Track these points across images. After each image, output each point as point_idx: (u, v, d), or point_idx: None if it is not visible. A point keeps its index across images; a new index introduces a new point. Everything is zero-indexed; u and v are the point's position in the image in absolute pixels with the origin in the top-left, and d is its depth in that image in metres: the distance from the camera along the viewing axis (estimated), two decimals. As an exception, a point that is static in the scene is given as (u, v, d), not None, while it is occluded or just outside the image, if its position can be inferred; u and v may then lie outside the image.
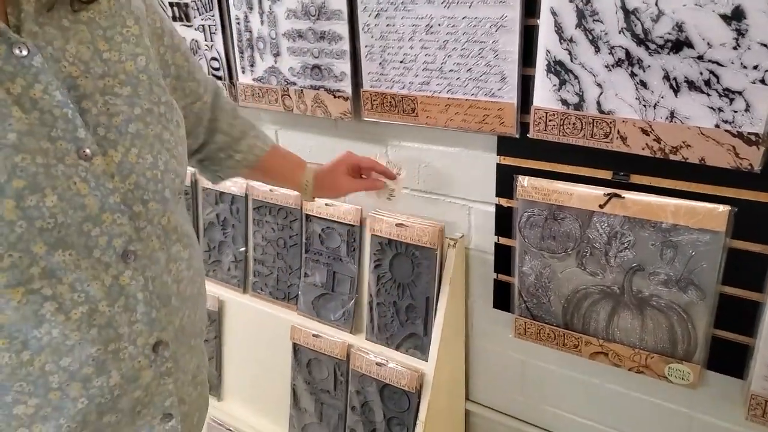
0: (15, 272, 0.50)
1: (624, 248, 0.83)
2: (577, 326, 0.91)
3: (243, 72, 1.14)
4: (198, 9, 1.14)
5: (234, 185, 1.28)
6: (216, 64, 1.17)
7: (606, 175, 0.82)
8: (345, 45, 0.99)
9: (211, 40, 1.15)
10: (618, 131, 0.77)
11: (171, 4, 1.18)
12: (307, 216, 1.18)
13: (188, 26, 1.17)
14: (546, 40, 0.78)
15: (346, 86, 1.02)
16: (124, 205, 0.57)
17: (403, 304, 1.05)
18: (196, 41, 1.18)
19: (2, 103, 0.49)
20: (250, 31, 1.09)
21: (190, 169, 1.34)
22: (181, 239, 0.63)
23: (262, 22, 1.07)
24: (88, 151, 0.54)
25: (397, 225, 1.04)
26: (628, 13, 0.72)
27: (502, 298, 1.00)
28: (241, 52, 1.12)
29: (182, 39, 0.72)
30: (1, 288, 0.50)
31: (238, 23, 1.10)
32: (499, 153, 0.92)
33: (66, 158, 0.52)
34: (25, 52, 0.51)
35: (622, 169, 0.81)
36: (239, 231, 1.30)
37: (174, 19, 1.18)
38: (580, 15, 0.75)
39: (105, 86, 0.58)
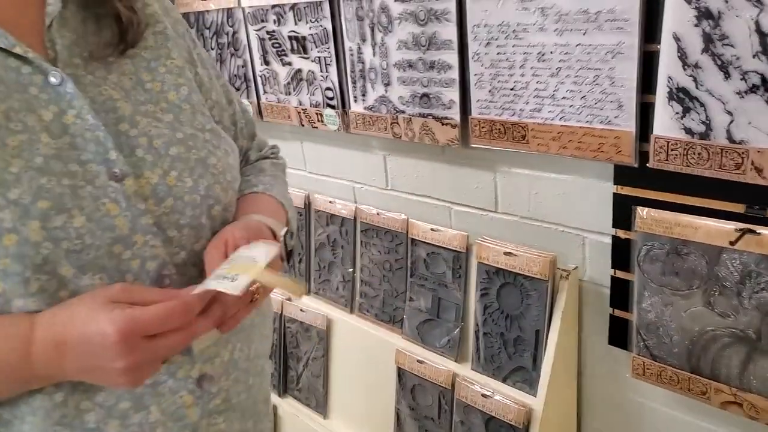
0: (44, 296, 0.51)
1: (761, 289, 0.77)
2: (704, 371, 0.85)
3: (355, 101, 1.21)
4: (315, 42, 1.23)
5: (344, 208, 1.36)
6: (330, 94, 1.25)
7: (737, 208, 0.77)
8: (454, 74, 1.02)
9: (326, 71, 1.24)
10: (752, 162, 0.72)
11: (290, 38, 1.28)
12: (413, 240, 1.21)
13: (305, 58, 1.27)
14: (668, 67, 0.75)
15: (454, 114, 1.04)
16: (158, 227, 0.57)
17: (511, 335, 1.05)
18: (312, 72, 1.27)
19: (32, 130, 0.53)
20: (363, 62, 1.16)
21: (302, 191, 1.44)
22: None
23: (374, 54, 1.13)
24: (118, 171, 0.56)
25: (505, 253, 1.04)
26: (763, 36, 0.67)
27: (619, 334, 0.96)
28: (354, 82, 1.19)
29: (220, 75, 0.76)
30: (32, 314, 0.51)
31: (352, 55, 1.17)
32: (615, 182, 0.89)
33: (96, 180, 0.55)
34: (59, 80, 0.56)
35: (756, 202, 0.75)
36: (348, 252, 1.37)
37: (292, 51, 1.28)
38: (707, 39, 0.71)
39: (146, 111, 0.61)
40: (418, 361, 1.17)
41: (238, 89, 1.47)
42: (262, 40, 1.35)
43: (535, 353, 1.02)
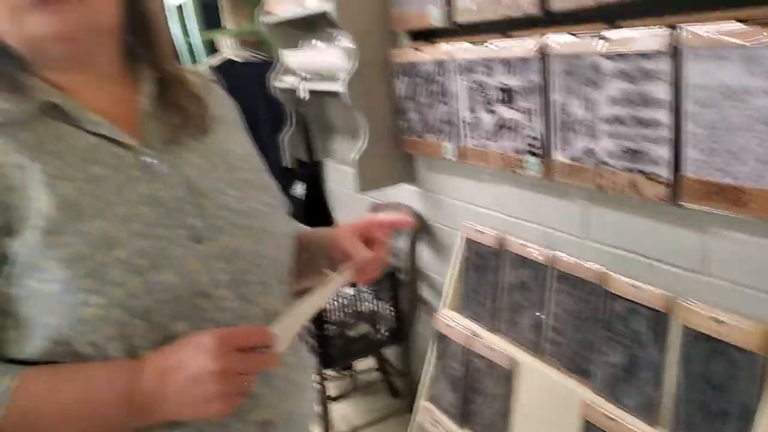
0: (140, 339, 0.63)
1: None
2: None
3: (558, 150, 1.27)
4: (522, 93, 1.33)
5: (538, 253, 1.42)
6: (533, 142, 1.33)
7: None
8: (665, 131, 1.03)
9: (531, 121, 1.32)
10: None
11: (498, 88, 1.39)
12: (610, 293, 1.23)
13: (511, 107, 1.37)
14: None
15: (664, 171, 1.05)
16: (232, 285, 0.69)
17: (715, 407, 1.01)
18: (517, 120, 1.36)
19: (134, 202, 0.66)
20: (569, 114, 1.22)
21: (496, 232, 1.53)
22: None
23: (581, 107, 1.19)
24: (199, 236, 0.68)
25: (713, 319, 1.01)
26: None
27: None
28: (558, 133, 1.26)
29: None
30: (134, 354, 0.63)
31: (558, 107, 1.24)
32: None
33: (181, 241, 0.67)
34: (154, 161, 0.70)
35: None
36: (538, 296, 1.42)
37: (498, 100, 1.40)
38: None
39: (219, 187, 0.74)
40: (608, 417, 1.18)
41: (442, 133, 1.63)
42: (470, 89, 1.48)
43: (742, 429, 0.97)
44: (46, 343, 0.62)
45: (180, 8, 2.47)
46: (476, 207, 1.67)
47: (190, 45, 2.51)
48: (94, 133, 0.68)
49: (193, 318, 0.66)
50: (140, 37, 0.76)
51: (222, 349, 0.61)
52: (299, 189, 2.16)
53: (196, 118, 0.78)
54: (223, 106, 0.87)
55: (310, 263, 0.87)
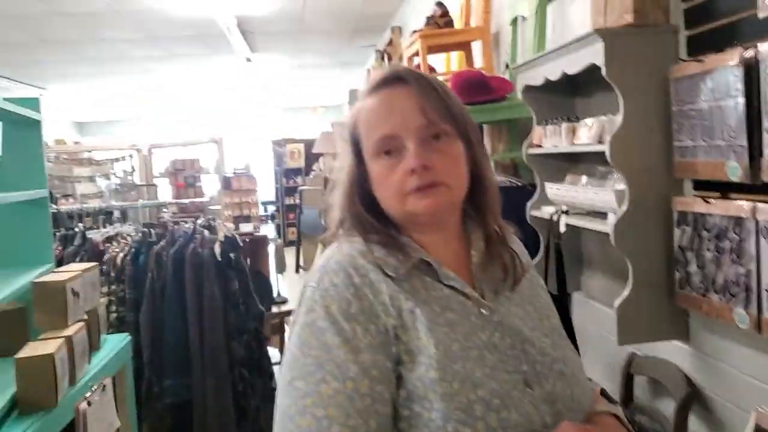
0: None
1: None
2: None
3: None
4: None
5: None
6: None
7: None
8: None
9: None
10: None
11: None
12: None
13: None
14: None
15: None
16: (553, 425, 0.76)
17: None
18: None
19: (480, 347, 0.78)
20: None
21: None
22: None
23: None
24: (529, 381, 0.78)
25: None
26: None
27: None
28: None
29: None
30: None
31: None
32: None
33: (518, 386, 0.77)
34: (488, 312, 0.83)
35: None
36: None
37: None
38: None
39: (536, 335, 0.84)
40: None
41: (733, 296, 1.47)
42: (775, 255, 1.33)
43: None
44: None
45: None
46: (774, 390, 1.44)
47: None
48: (447, 285, 0.84)
49: None
50: (475, 201, 0.92)
51: None
52: (545, 321, 2.12)
53: (513, 270, 0.89)
54: (523, 254, 0.97)
55: None
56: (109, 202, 6.41)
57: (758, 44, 1.32)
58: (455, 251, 0.89)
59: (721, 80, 1.43)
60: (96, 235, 3.21)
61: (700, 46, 1.57)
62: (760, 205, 1.37)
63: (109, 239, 3.15)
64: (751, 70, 1.34)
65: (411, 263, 0.83)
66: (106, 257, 2.87)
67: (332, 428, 0.71)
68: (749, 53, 1.34)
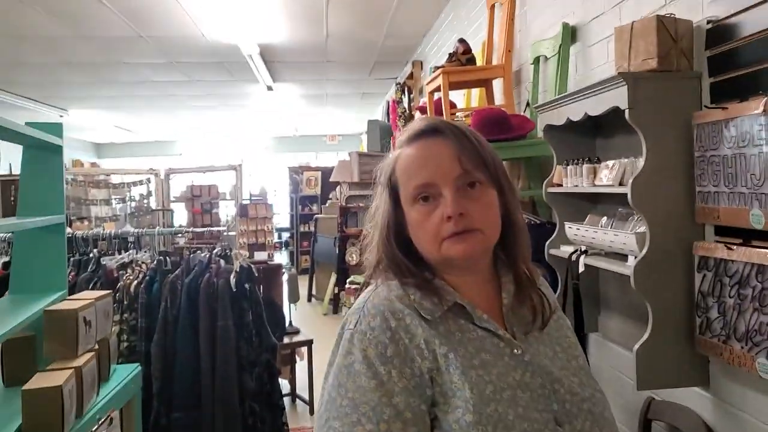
0: None
1: None
2: None
3: None
4: None
5: None
6: None
7: None
8: None
9: None
10: None
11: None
12: None
13: None
14: None
15: None
16: None
17: None
18: None
19: (512, 386, 0.83)
20: None
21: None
22: None
23: None
24: (559, 420, 0.82)
25: None
26: None
27: None
28: None
29: None
30: None
31: None
32: None
33: (549, 424, 0.81)
34: (519, 352, 0.87)
35: None
36: None
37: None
38: None
39: (565, 375, 0.88)
40: None
41: (756, 344, 1.46)
42: (799, 305, 1.33)
43: None
44: None
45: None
46: (796, 442, 1.42)
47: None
48: (481, 327, 0.88)
49: None
50: (506, 245, 0.96)
51: None
52: (562, 363, 2.10)
53: (541, 312, 0.94)
54: (551, 296, 1.00)
55: None
56: (125, 225, 6.50)
57: (782, 94, 1.34)
58: (487, 294, 0.94)
59: (745, 128, 1.45)
60: (110, 262, 3.25)
61: (723, 94, 1.59)
62: (784, 254, 1.37)
63: (123, 266, 3.20)
64: (774, 119, 1.36)
65: (446, 306, 0.88)
66: (119, 284, 2.90)
67: None
68: (773, 103, 1.36)
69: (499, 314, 0.92)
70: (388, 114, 6.67)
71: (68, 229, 3.75)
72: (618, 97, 1.68)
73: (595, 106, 1.82)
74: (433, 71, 3.14)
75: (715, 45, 1.61)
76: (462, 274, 0.92)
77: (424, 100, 3.74)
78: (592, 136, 2.22)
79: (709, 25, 1.63)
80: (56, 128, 2.22)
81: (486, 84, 3.21)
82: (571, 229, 2.09)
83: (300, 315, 6.31)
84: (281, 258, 10.30)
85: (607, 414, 0.89)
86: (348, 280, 5.63)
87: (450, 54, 3.05)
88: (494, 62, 3.15)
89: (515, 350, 0.87)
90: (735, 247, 1.53)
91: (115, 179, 8.58)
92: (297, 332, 4.27)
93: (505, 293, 0.93)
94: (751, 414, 1.57)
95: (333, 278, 6.65)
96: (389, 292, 0.90)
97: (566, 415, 0.84)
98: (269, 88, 7.16)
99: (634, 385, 1.71)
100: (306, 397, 4.05)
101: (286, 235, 11.65)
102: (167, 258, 2.90)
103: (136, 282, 2.89)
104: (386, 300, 0.88)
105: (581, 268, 2.03)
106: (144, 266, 3.03)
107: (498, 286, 0.95)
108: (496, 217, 0.92)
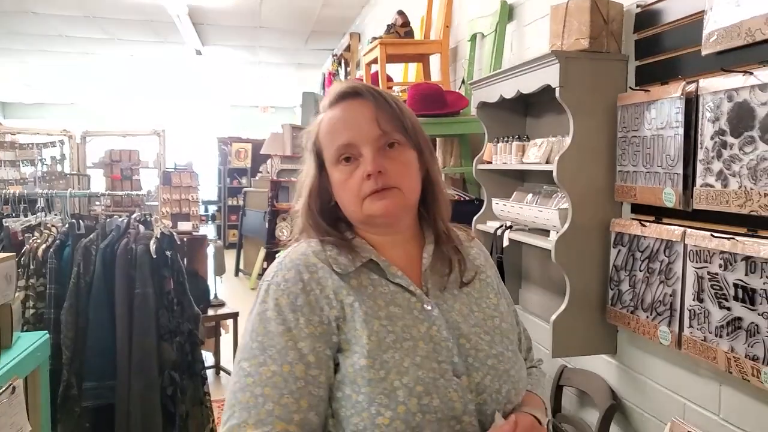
0: None
1: None
2: None
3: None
4: (767, 297, 1.27)
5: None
6: (776, 354, 1.25)
7: None
8: None
9: (776, 330, 1.25)
10: None
11: (736, 285, 1.35)
12: None
13: (750, 309, 1.31)
14: None
15: None
16: (477, 413, 0.88)
17: None
18: (756, 325, 1.30)
19: (415, 338, 0.90)
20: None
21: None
22: None
23: None
24: (458, 371, 0.89)
25: None
26: None
27: None
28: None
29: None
30: None
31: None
32: None
33: (445, 375, 0.88)
34: (430, 307, 0.94)
35: None
36: None
37: (735, 298, 1.35)
38: None
39: (476, 331, 0.95)
40: None
41: (659, 314, 1.59)
42: (700, 278, 1.45)
43: None
44: None
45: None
46: (689, 403, 1.57)
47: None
48: (394, 282, 0.95)
49: None
50: (426, 204, 1.02)
51: None
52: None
53: (460, 270, 1.01)
54: (482, 258, 1.09)
55: None
56: (34, 190, 6.14)
57: (699, 79, 1.44)
58: (408, 252, 1.00)
59: (664, 110, 1.55)
60: (14, 224, 3.08)
61: (647, 77, 1.69)
62: (689, 230, 1.49)
63: (30, 228, 3.03)
64: (690, 103, 1.47)
65: (360, 262, 0.95)
66: (25, 248, 2.76)
67: (266, 405, 0.84)
68: (691, 87, 1.46)
69: (418, 271, 0.99)
70: (324, 86, 6.61)
71: (-32, 190, 3.52)
72: (550, 75, 1.76)
73: (528, 83, 1.89)
74: (371, 42, 3.15)
75: (643, 29, 1.71)
76: (385, 232, 0.99)
77: (361, 73, 3.75)
78: (523, 114, 2.31)
79: (638, 9, 1.73)
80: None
81: (423, 59, 3.26)
82: (498, 205, 2.17)
83: (227, 289, 6.22)
84: (208, 231, 10.06)
85: (513, 372, 0.95)
86: (278, 255, 5.58)
87: (389, 26, 3.07)
88: (432, 38, 3.19)
89: (425, 305, 0.94)
90: (648, 224, 1.65)
91: (22, 139, 8.06)
92: (222, 305, 4.22)
93: (426, 252, 1.00)
94: (650, 377, 1.72)
95: (262, 253, 6.58)
96: (307, 248, 0.97)
97: (466, 368, 0.91)
98: (198, 53, 6.92)
99: (549, 355, 1.82)
100: (230, 369, 4.02)
101: (213, 208, 11.38)
102: (80, 222, 2.78)
103: (44, 246, 2.76)
104: (303, 255, 0.95)
105: (506, 243, 2.12)
106: (54, 230, 2.88)
107: (421, 245, 1.02)
108: (416, 176, 0.98)
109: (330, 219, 1.00)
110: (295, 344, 0.87)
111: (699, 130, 1.46)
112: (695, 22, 1.49)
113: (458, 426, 0.86)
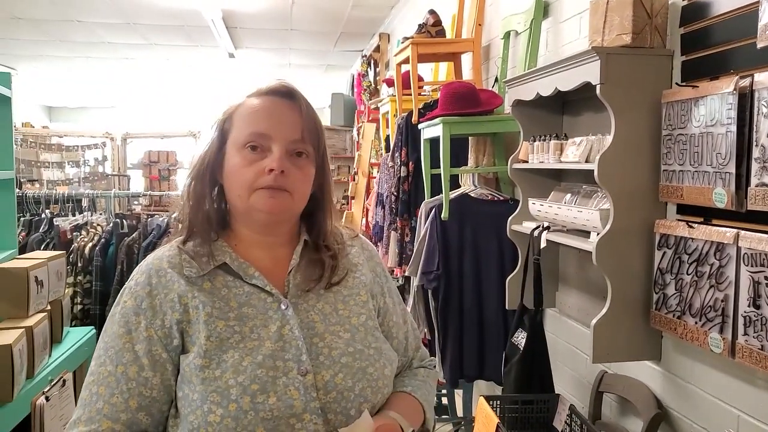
0: None
1: None
2: None
3: None
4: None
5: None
6: None
7: None
8: None
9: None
10: None
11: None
12: None
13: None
14: None
15: None
16: (322, 411, 0.87)
17: None
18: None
19: (262, 338, 0.89)
20: None
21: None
22: None
23: None
24: (304, 369, 0.88)
25: None
26: None
27: None
28: None
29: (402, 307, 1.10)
30: None
31: None
32: None
33: (289, 373, 0.87)
34: (285, 306, 0.94)
35: None
36: None
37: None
38: None
39: (333, 330, 0.94)
40: None
41: (709, 320, 1.47)
42: (756, 283, 1.34)
43: None
44: None
45: (430, 142, 2.69)
46: (744, 415, 1.45)
47: (438, 177, 2.67)
48: (250, 283, 0.95)
49: None
50: (314, 213, 1.03)
51: None
52: (520, 338, 2.11)
53: (329, 273, 1.00)
54: (364, 257, 1.08)
55: None
56: (79, 190, 6.22)
57: (754, 73, 1.33)
58: (276, 254, 1.01)
59: (714, 107, 1.44)
60: (64, 223, 3.10)
61: (694, 72, 1.58)
62: (743, 232, 1.38)
63: (77, 227, 3.05)
64: (744, 98, 1.35)
65: (213, 265, 0.95)
66: (74, 246, 2.76)
67: (98, 403, 0.87)
68: (744, 82, 1.35)
69: (284, 273, 0.99)
70: (352, 87, 6.56)
71: (17, 191, 3.56)
72: (590, 72, 1.65)
73: (567, 80, 1.79)
74: (402, 42, 3.06)
75: (689, 22, 1.60)
76: (260, 231, 0.99)
77: (390, 73, 3.67)
78: (560, 113, 2.20)
79: (685, 2, 1.62)
80: (4, 78, 2.07)
81: (455, 58, 3.16)
82: (535, 205, 2.08)
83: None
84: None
85: (372, 370, 0.94)
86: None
87: (420, 25, 2.98)
88: (464, 36, 3.10)
89: (281, 305, 0.94)
90: (696, 225, 1.54)
91: (68, 142, 8.19)
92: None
93: (295, 254, 1.00)
94: (699, 386, 1.60)
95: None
96: (164, 253, 0.98)
97: (316, 366, 0.90)
98: (231, 56, 6.92)
99: (588, 359, 1.72)
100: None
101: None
102: (123, 221, 2.78)
103: (91, 244, 2.76)
104: (157, 260, 0.97)
105: (543, 244, 2.03)
106: (99, 228, 2.89)
107: (293, 248, 1.02)
108: (308, 189, 1.00)
109: (209, 207, 0.99)
110: (132, 346, 0.89)
111: (754, 127, 1.34)
112: (748, 13, 1.38)
113: (299, 424, 0.86)
